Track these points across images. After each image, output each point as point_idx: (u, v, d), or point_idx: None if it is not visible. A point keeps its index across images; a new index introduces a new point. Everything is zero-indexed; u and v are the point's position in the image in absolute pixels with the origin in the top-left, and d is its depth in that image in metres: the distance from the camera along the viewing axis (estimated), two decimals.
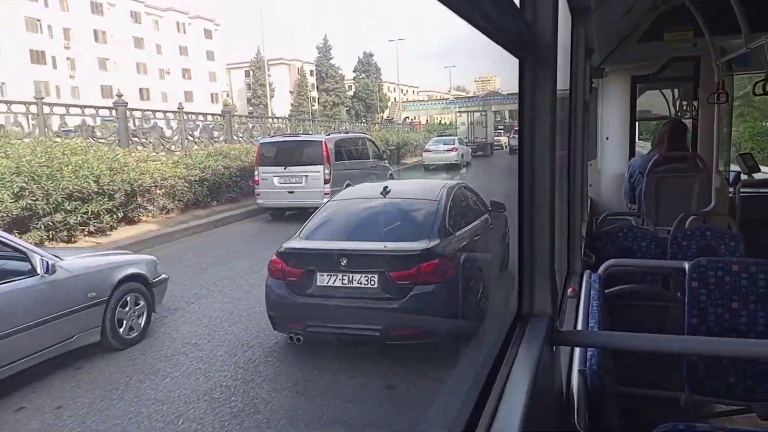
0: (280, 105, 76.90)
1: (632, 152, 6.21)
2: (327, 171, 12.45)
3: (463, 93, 78.49)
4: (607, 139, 6.30)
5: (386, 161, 16.18)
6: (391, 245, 5.37)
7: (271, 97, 76.74)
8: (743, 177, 6.48)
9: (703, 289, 2.89)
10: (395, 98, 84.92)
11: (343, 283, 5.05)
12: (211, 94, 73.15)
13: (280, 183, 12.65)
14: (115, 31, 61.49)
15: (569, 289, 3.06)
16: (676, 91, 6.50)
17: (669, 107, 6.49)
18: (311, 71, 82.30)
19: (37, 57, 53.30)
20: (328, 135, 13.80)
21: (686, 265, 2.96)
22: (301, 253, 5.43)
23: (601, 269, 3.23)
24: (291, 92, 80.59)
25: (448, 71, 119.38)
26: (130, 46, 63.79)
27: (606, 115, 6.29)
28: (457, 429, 1.37)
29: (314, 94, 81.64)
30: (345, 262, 5.03)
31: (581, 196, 4.38)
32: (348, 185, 11.83)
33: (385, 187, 6.28)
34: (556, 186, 1.82)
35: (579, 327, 2.45)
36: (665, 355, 2.79)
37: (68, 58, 57.21)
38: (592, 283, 2.91)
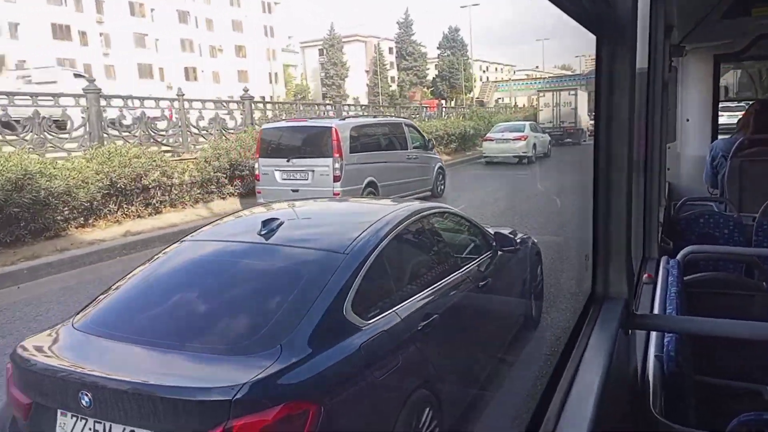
0: (355, 86, 74.94)
1: (714, 135, 5.97)
2: (337, 165, 10.03)
3: (568, 72, 73.06)
4: (688, 120, 6.06)
5: (433, 151, 13.54)
6: (170, 371, 2.69)
7: (345, 77, 75.60)
8: None
9: None
10: (487, 77, 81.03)
11: None
12: (269, 73, 69.30)
13: (283, 179, 10.50)
14: (156, 4, 57.75)
15: (644, 276, 3.01)
16: (763, 70, 6.10)
17: (756, 88, 6.09)
18: (390, 48, 79.79)
19: (61, 32, 49.64)
20: (343, 120, 11.43)
21: None
22: (33, 369, 2.82)
23: (680, 255, 3.16)
24: (366, 72, 79.34)
25: (541, 44, 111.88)
26: (174, 21, 60.19)
27: (686, 96, 6.05)
28: (530, 408, 1.43)
29: (393, 73, 79.34)
30: (88, 399, 2.49)
31: (659, 180, 4.28)
32: (371, 183, 10.58)
33: (268, 222, 3.53)
34: (633, 169, 1.82)
35: (655, 311, 2.43)
36: (749, 345, 2.68)
37: (101, 34, 53.78)
38: (670, 269, 2.84)
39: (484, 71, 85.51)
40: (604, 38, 1.63)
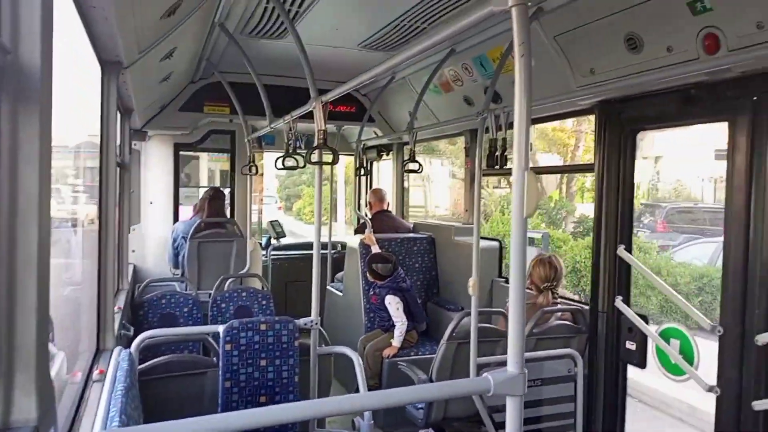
0: None
1: (176, 217, 6.39)
2: None
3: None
4: (152, 203, 6.33)
5: None
6: None
7: None
8: (273, 242, 7.30)
9: (235, 351, 3.06)
10: None
11: None
12: None
13: None
14: None
15: (96, 372, 2.75)
16: (218, 162, 7.05)
17: (212, 176, 7.00)
18: None
19: None
20: None
21: (221, 329, 3.09)
22: None
23: (133, 345, 3.05)
24: None
25: None
26: None
27: (150, 179, 6.32)
28: None
29: None
30: None
31: (118, 264, 4.21)
32: None
33: None
34: (51, 252, 1.49)
35: (100, 416, 2.12)
36: None
37: None
38: (121, 361, 2.63)
39: None
40: (3, 94, 1.33)
